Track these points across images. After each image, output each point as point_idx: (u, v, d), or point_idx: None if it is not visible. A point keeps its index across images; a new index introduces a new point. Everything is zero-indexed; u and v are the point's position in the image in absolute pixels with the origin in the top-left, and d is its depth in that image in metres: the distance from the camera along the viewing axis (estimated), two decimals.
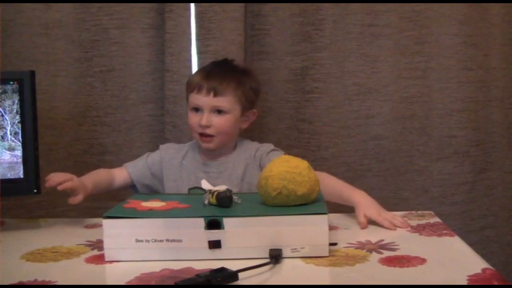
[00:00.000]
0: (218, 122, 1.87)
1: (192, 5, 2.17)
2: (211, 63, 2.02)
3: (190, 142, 2.02)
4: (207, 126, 1.86)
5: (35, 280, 1.21)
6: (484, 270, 1.19)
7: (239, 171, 1.90)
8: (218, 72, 1.92)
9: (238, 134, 1.97)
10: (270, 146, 1.96)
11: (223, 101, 1.87)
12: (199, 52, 2.17)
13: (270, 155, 1.90)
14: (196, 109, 1.89)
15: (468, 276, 1.15)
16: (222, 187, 1.44)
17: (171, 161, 1.96)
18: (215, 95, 1.86)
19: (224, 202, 1.38)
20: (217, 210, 1.36)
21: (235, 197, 1.41)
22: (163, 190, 1.93)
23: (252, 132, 2.17)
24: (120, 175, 1.95)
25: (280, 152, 1.93)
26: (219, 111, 1.87)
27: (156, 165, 1.96)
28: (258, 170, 1.86)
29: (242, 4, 2.18)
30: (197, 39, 2.17)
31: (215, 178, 1.84)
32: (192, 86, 1.90)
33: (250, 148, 1.96)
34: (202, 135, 1.88)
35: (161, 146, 2.01)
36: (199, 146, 1.95)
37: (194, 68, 2.19)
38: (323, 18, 2.21)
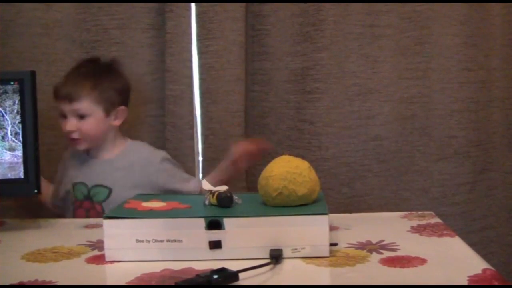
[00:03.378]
0: (81, 126, 1.92)
1: (193, 5, 2.17)
2: (75, 65, 2.04)
3: None
4: (72, 131, 1.92)
5: (36, 280, 1.21)
6: (484, 270, 1.19)
7: (119, 173, 1.96)
8: (73, 76, 1.96)
9: (115, 131, 2.02)
10: (159, 156, 2.03)
11: (80, 105, 1.91)
12: (200, 52, 2.18)
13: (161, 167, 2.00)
14: (63, 115, 1.94)
15: (469, 276, 1.15)
16: (222, 188, 1.44)
17: (65, 161, 2.07)
18: (70, 100, 1.90)
19: (225, 202, 1.38)
20: (218, 211, 1.36)
21: (235, 197, 1.41)
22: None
23: (253, 132, 2.18)
24: None
25: (169, 163, 2.03)
26: (81, 115, 1.92)
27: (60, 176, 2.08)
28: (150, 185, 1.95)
29: (243, 4, 2.18)
30: (198, 39, 2.18)
31: (98, 175, 1.96)
32: (54, 92, 1.95)
33: (139, 152, 2.03)
34: (71, 138, 1.94)
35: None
36: None
37: (195, 68, 2.19)
38: (323, 18, 2.21)
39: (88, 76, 1.95)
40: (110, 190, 1.94)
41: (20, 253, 1.40)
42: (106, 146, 2.00)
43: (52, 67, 2.17)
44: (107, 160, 1.98)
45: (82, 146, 1.96)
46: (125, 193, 1.80)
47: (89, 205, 1.94)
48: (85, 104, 1.91)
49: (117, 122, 2.00)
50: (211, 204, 1.40)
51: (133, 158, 1.99)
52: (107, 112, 1.95)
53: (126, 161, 1.99)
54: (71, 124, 1.91)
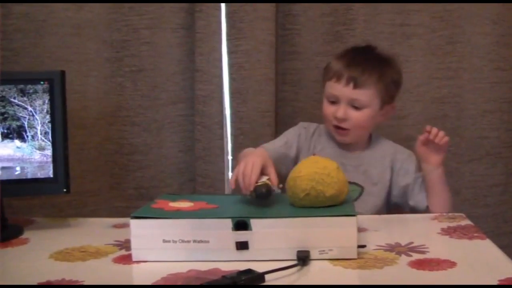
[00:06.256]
0: (355, 116, 1.80)
1: (223, 5, 2.17)
2: (352, 49, 1.93)
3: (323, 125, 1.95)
4: (343, 120, 1.80)
5: (63, 279, 1.22)
6: None
7: (374, 170, 1.86)
8: (360, 61, 1.83)
9: (373, 128, 1.92)
10: (406, 151, 1.91)
11: (362, 94, 1.79)
12: (230, 52, 2.17)
13: (407, 163, 1.88)
14: (333, 99, 1.82)
15: (499, 280, 1.14)
16: (263, 178, 1.44)
17: (309, 136, 1.92)
18: (355, 86, 1.78)
19: (263, 194, 1.38)
20: (245, 211, 1.36)
21: (274, 187, 1.41)
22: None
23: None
24: None
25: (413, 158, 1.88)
26: (358, 105, 1.80)
27: (290, 143, 1.90)
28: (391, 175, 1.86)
29: (273, 4, 2.18)
30: (228, 39, 2.17)
31: (351, 172, 1.77)
32: (330, 73, 1.83)
33: (386, 148, 1.92)
34: (337, 127, 1.83)
35: (302, 123, 1.96)
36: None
37: (225, 68, 2.19)
38: (353, 17, 2.20)
39: (375, 65, 1.83)
40: (362, 189, 1.85)
41: (49, 252, 1.41)
42: (362, 144, 1.90)
43: (82, 66, 2.18)
44: (358, 156, 1.88)
45: (346, 139, 1.85)
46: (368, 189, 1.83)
47: None
48: (368, 94, 1.79)
49: (382, 119, 1.90)
50: (251, 196, 1.41)
51: (382, 154, 1.90)
52: (381, 106, 1.84)
53: (374, 157, 1.89)
54: (345, 111, 1.79)
